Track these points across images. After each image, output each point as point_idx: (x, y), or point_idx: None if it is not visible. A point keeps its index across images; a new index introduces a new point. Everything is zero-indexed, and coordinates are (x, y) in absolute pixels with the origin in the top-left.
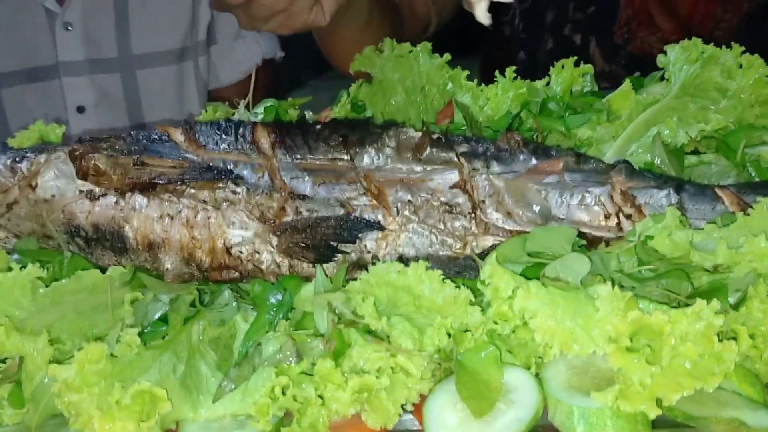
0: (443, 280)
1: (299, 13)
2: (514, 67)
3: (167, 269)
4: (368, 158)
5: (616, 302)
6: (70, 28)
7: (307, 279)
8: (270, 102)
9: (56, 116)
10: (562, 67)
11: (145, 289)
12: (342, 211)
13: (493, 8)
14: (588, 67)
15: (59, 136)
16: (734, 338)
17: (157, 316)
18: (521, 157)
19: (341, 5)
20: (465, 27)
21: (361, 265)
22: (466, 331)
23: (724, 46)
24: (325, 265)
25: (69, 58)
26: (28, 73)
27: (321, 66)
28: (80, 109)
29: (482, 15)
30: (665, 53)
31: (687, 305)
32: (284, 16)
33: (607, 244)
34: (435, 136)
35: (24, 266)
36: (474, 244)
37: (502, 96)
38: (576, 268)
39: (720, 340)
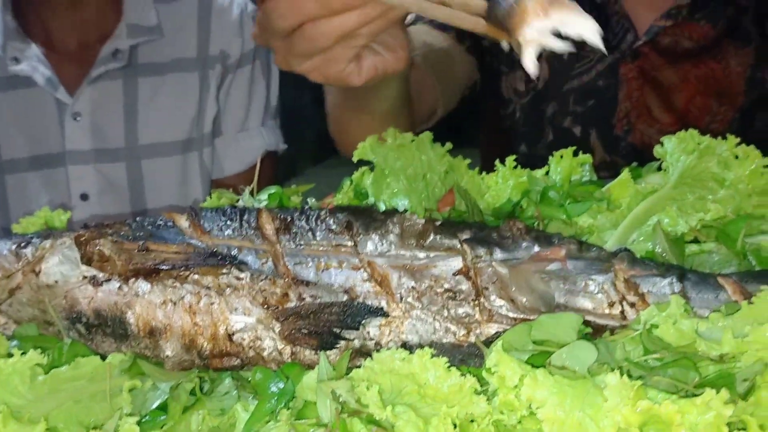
0: (448, 368)
1: (337, 60)
2: (514, 156)
3: (167, 356)
4: (372, 245)
5: (625, 392)
6: (78, 118)
7: (310, 367)
8: (273, 189)
9: (59, 203)
10: (561, 156)
11: (145, 376)
12: (345, 298)
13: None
14: (587, 157)
15: (64, 222)
16: (743, 429)
17: (156, 405)
18: (524, 244)
19: (376, 76)
20: (465, 118)
21: (363, 353)
22: (472, 421)
23: (720, 137)
24: (327, 353)
25: (76, 147)
26: (34, 160)
27: (318, 155)
28: (84, 197)
29: (529, 62)
30: (662, 144)
31: (695, 395)
32: (321, 60)
33: (612, 332)
34: (438, 223)
35: (24, 352)
36: (478, 331)
37: (502, 184)
38: (583, 356)
39: (730, 431)
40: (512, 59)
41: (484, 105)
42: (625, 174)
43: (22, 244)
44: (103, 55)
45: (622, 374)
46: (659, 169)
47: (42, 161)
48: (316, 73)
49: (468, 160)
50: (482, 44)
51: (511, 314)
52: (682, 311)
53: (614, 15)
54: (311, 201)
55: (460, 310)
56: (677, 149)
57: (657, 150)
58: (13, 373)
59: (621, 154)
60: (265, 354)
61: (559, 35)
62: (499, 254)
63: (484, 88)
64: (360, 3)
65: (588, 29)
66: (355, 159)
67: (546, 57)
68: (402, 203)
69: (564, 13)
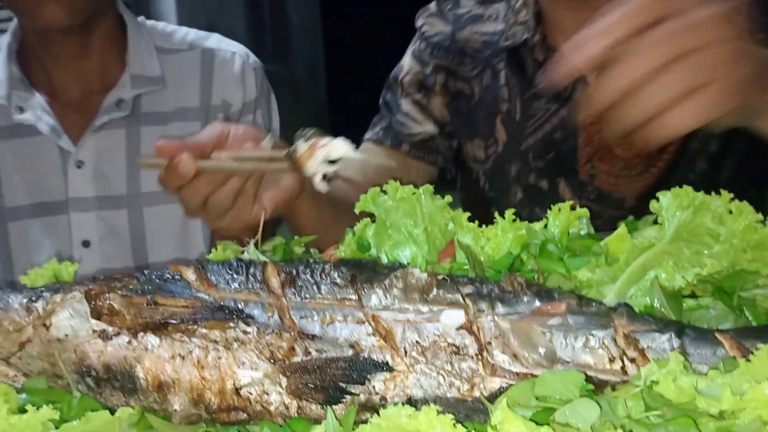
0: (454, 425)
1: (243, 209)
2: (513, 210)
3: (175, 410)
4: (376, 298)
5: None
6: (81, 166)
7: (316, 421)
8: (278, 240)
9: (60, 250)
10: (559, 210)
11: (153, 430)
12: (351, 352)
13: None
14: (583, 211)
15: (72, 274)
16: None
17: None
18: (525, 298)
19: (279, 204)
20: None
21: (369, 407)
22: None
23: (713, 193)
24: (334, 407)
25: (78, 194)
26: (36, 208)
27: None
28: (85, 243)
29: (319, 184)
30: (658, 199)
31: None
32: (233, 213)
33: (613, 387)
34: (440, 278)
35: (38, 407)
36: (482, 386)
37: (501, 237)
38: (585, 414)
39: None
40: (466, 130)
41: (456, 177)
42: (622, 228)
43: (33, 298)
44: (106, 104)
45: None
46: (655, 222)
47: (44, 208)
48: (235, 222)
49: (468, 213)
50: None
51: (514, 369)
52: (681, 368)
53: None
54: (314, 252)
55: (464, 365)
56: (672, 205)
57: (653, 205)
58: (26, 428)
59: (590, 198)
60: (272, 408)
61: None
62: (500, 309)
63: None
64: (229, 175)
65: (343, 150)
66: (357, 211)
67: (501, 120)
68: (404, 254)
69: (324, 150)
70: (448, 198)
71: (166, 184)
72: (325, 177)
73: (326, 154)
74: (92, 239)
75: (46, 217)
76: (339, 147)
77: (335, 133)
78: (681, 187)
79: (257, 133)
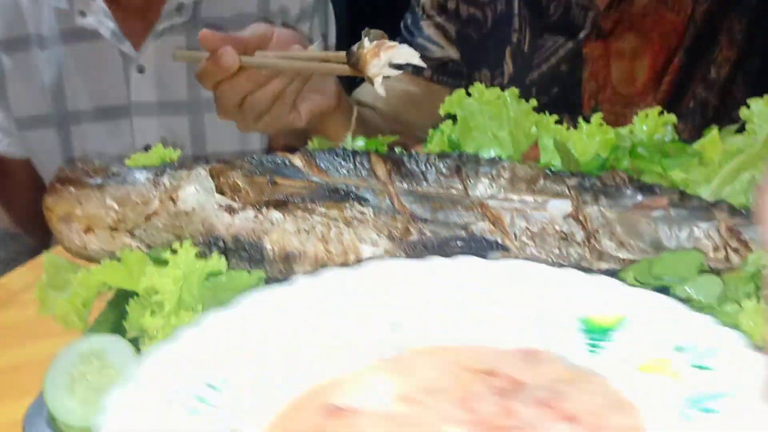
0: None
1: (279, 115)
2: (600, 114)
3: None
4: (482, 188)
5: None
6: (143, 71)
7: None
8: (361, 140)
9: (122, 154)
10: (646, 115)
11: None
12: (464, 234)
13: None
14: (670, 117)
15: (176, 160)
16: None
17: None
18: (627, 192)
19: (314, 115)
20: None
21: None
22: None
23: None
24: None
25: (140, 99)
26: (98, 112)
27: None
28: (146, 149)
29: (379, 88)
30: (748, 106)
31: None
32: (269, 118)
33: (719, 274)
34: (546, 170)
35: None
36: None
37: (588, 140)
38: (710, 288)
39: None
40: (474, 59)
41: None
42: (714, 133)
43: (158, 173)
44: (167, 9)
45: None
46: (739, 131)
47: (107, 113)
48: (269, 127)
49: (554, 117)
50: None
51: (620, 255)
52: None
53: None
54: (399, 150)
55: (572, 250)
56: (765, 111)
57: (743, 112)
58: (192, 273)
59: None
60: None
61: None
62: (604, 201)
63: None
64: (271, 76)
65: (409, 55)
66: (442, 113)
67: (510, 52)
68: (488, 156)
69: (390, 52)
70: (533, 102)
71: (205, 78)
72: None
73: (391, 56)
74: (153, 144)
75: (109, 120)
76: (405, 52)
77: None
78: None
79: (302, 39)
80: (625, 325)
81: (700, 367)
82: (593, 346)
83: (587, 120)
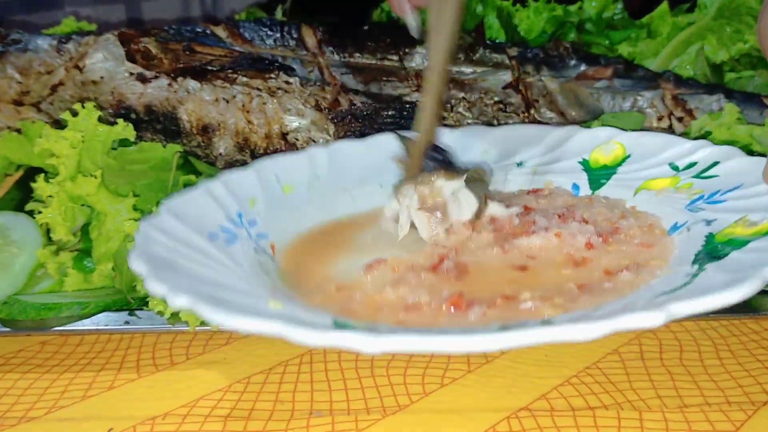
0: None
1: None
2: None
3: (220, 154)
4: (419, 58)
5: None
6: None
7: None
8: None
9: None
10: None
11: (199, 174)
12: (398, 104)
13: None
14: None
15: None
16: None
17: None
18: (571, 62)
19: None
20: None
21: None
22: None
23: None
24: None
25: None
26: None
27: None
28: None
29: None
30: None
31: None
32: None
33: None
34: (486, 40)
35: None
36: None
37: (534, 18)
38: (632, 121)
39: None
40: None
41: None
42: (664, 5)
43: (63, 40)
44: None
45: None
46: (689, 10)
47: None
48: None
49: None
50: None
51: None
52: (735, 119)
53: None
54: None
55: (510, 122)
56: None
57: None
58: (94, 138)
59: None
60: None
61: None
62: (546, 72)
63: None
64: None
65: None
66: None
67: None
68: None
69: None
70: None
71: None
72: None
73: None
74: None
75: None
76: None
77: None
78: None
79: None
80: (627, 161)
81: (708, 177)
82: (597, 180)
83: None
